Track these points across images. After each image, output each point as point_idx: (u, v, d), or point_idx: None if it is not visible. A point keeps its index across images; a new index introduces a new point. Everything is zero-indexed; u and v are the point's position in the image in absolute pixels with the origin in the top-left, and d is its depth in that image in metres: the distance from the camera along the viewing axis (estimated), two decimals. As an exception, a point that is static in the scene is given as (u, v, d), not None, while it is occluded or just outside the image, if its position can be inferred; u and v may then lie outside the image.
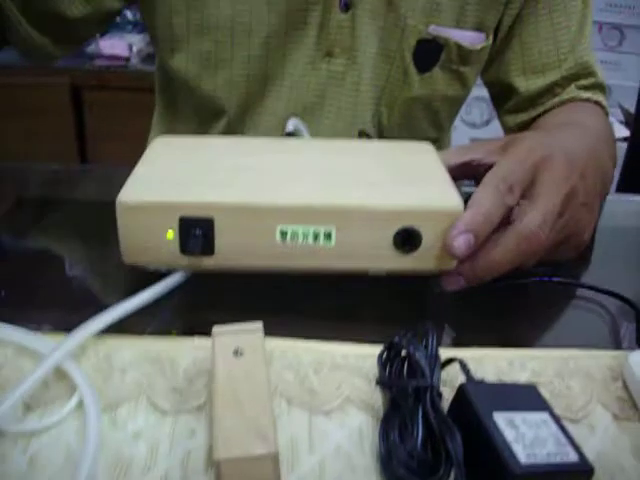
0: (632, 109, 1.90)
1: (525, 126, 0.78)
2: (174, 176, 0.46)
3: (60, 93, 1.89)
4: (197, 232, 0.43)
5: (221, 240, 0.44)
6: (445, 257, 0.45)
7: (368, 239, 0.44)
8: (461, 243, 0.43)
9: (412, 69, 0.72)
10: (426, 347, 0.36)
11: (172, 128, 0.83)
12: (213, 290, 0.47)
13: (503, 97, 0.80)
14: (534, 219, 0.45)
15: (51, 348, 0.37)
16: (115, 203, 0.43)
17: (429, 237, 0.44)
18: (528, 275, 0.50)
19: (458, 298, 0.49)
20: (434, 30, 0.71)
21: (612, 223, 0.55)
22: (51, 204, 0.58)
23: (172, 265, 0.45)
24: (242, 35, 0.69)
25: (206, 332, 0.38)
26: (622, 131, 1.88)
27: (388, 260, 0.45)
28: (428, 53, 0.72)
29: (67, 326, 0.39)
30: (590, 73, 0.77)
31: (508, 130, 0.82)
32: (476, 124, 1.98)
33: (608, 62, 2.16)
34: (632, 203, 0.72)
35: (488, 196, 0.44)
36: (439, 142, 0.84)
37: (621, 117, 2.04)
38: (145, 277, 0.45)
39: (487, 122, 2.05)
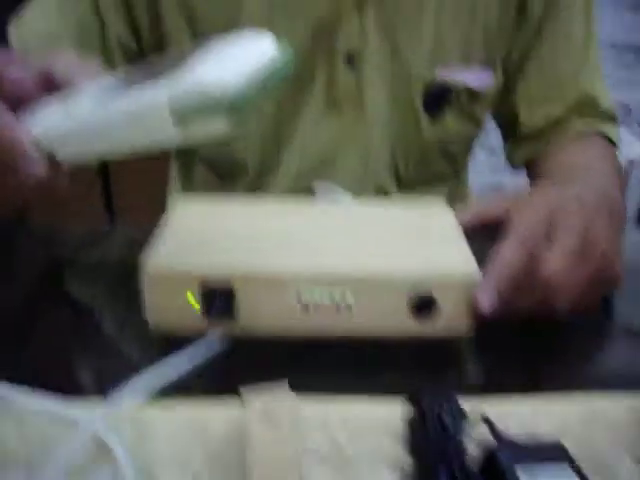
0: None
1: (530, 164, 0.79)
2: (197, 243, 0.48)
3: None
4: (219, 300, 0.45)
5: (242, 307, 0.46)
6: (462, 322, 0.46)
7: (385, 307, 0.46)
8: (486, 301, 0.44)
9: (423, 114, 0.73)
10: (451, 407, 0.37)
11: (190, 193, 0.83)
12: (234, 351, 0.47)
13: (509, 131, 0.81)
14: (553, 263, 0.46)
15: (89, 417, 0.39)
16: (138, 265, 0.45)
17: (445, 304, 0.45)
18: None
19: (483, 341, 0.50)
20: (441, 74, 0.71)
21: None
22: (78, 265, 0.60)
23: (195, 330, 0.46)
24: None
25: (235, 392, 0.39)
26: (642, 150, 1.87)
27: (405, 326, 0.46)
28: (437, 97, 0.73)
29: (99, 391, 0.41)
30: (595, 104, 0.76)
31: (514, 167, 0.82)
32: (494, 149, 1.98)
33: (625, 81, 2.16)
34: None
35: (512, 249, 0.46)
36: (456, 180, 0.85)
37: (641, 135, 2.04)
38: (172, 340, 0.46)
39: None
